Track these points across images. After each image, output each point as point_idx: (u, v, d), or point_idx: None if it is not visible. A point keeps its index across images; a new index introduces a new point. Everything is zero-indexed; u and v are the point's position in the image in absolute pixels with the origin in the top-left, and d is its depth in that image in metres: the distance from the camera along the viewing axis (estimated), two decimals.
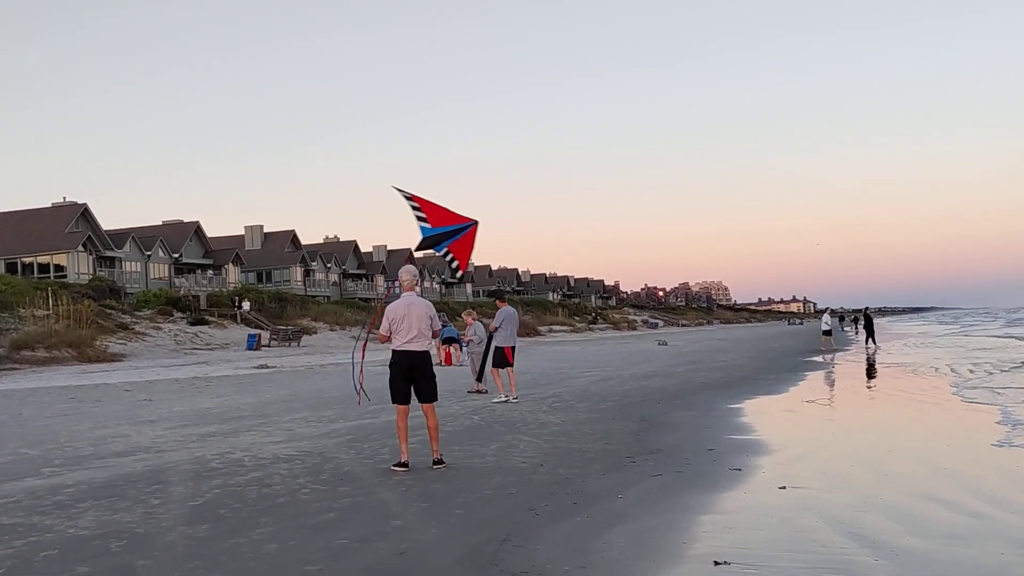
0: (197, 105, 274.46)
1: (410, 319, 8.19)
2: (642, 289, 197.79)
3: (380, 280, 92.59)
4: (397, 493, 7.22)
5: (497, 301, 15.32)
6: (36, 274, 57.68)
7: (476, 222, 10.01)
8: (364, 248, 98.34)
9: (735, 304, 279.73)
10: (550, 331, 77.62)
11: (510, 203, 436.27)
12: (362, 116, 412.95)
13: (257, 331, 46.97)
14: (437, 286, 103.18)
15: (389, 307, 8.44)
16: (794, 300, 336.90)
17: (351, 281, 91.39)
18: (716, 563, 5.07)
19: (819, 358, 29.36)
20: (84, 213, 62.67)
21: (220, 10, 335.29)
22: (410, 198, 9.75)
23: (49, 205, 65.13)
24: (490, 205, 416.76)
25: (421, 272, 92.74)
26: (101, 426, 12.73)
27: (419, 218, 9.73)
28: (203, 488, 7.58)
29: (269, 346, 44.92)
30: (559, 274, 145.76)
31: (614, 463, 8.57)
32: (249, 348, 42.54)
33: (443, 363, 25.69)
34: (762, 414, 12.89)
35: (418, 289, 8.71)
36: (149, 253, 67.28)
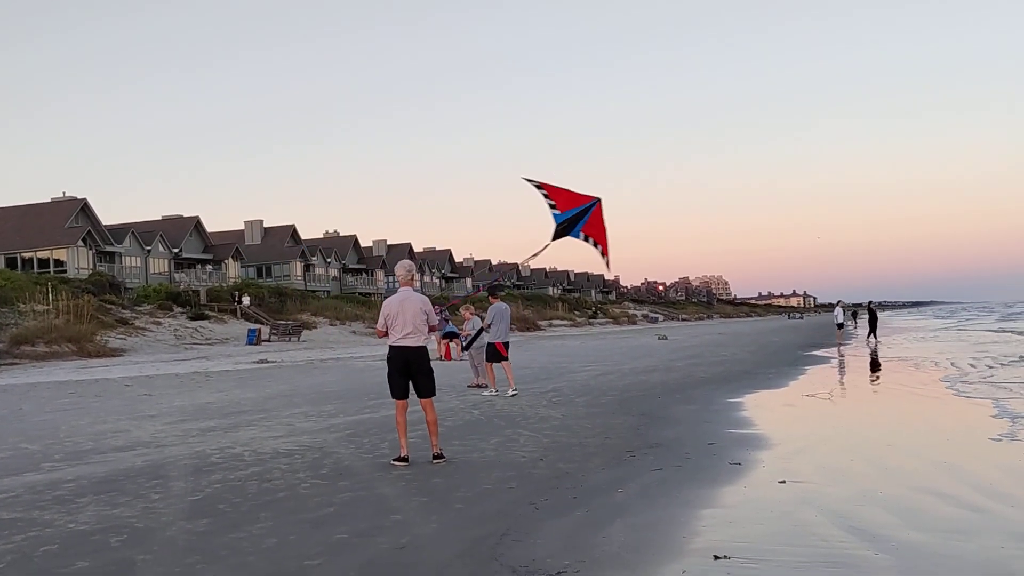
0: (197, 100, 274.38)
1: (404, 315, 8.18)
2: (642, 284, 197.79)
3: (380, 275, 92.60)
4: (397, 488, 7.22)
5: (489, 297, 15.47)
6: (36, 269, 57.68)
7: (599, 199, 9.86)
8: (364, 243, 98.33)
9: (735, 298, 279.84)
10: (550, 326, 77.66)
11: (512, 198, 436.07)
12: (362, 111, 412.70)
13: (257, 326, 47.00)
14: (437, 280, 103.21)
15: (384, 302, 8.45)
16: (794, 295, 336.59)
17: (351, 276, 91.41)
18: (716, 557, 5.07)
19: (819, 352, 29.34)
20: (84, 208, 62.64)
21: (220, 7, 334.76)
22: (540, 186, 9.70)
23: (49, 200, 65.10)
24: (490, 200, 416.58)
25: (420, 267, 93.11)
26: (101, 421, 12.73)
27: (550, 206, 9.67)
28: (203, 483, 7.58)
29: (269, 341, 44.93)
30: (559, 269, 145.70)
31: (614, 457, 8.56)
32: (249, 343, 42.56)
33: (443, 358, 25.69)
34: (762, 408, 12.89)
35: (416, 284, 8.71)
36: (149, 248, 67.25)
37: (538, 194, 9.78)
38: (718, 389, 15.91)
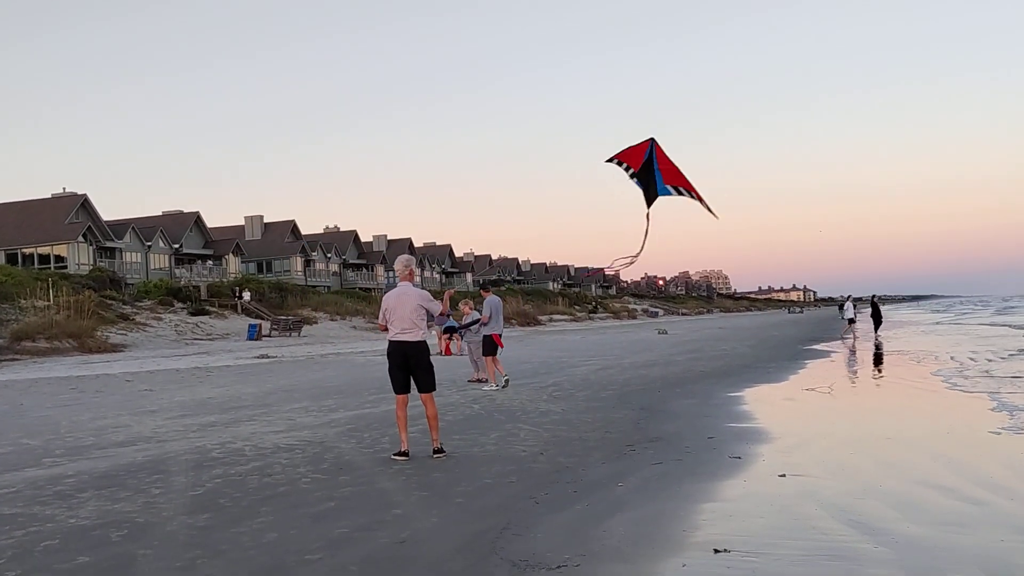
0: (197, 96, 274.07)
1: (402, 309, 8.20)
2: (642, 278, 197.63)
3: (380, 270, 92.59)
4: (397, 482, 7.23)
5: (481, 291, 15.75)
6: (36, 265, 57.67)
7: (652, 139, 9.30)
8: (364, 238, 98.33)
9: (735, 293, 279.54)
10: (550, 320, 77.65)
11: (510, 193, 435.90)
12: (362, 106, 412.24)
13: (258, 321, 47.03)
14: (437, 276, 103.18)
15: (384, 297, 8.49)
16: (794, 288, 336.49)
17: (351, 271, 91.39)
18: (716, 551, 5.08)
19: (819, 346, 29.34)
20: (84, 204, 62.62)
21: (219, 5, 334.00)
22: (619, 160, 9.19)
23: (49, 196, 65.10)
24: (490, 195, 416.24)
25: (420, 262, 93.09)
26: (102, 416, 12.74)
27: (631, 175, 9.10)
28: (204, 478, 7.60)
29: (270, 336, 44.95)
30: (559, 263, 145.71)
31: (614, 451, 8.57)
32: (250, 338, 42.58)
33: (443, 353, 25.71)
34: (762, 402, 12.90)
35: (416, 279, 8.72)
36: (149, 244, 67.25)
37: (619, 171, 9.21)
38: (718, 383, 15.91)
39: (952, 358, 20.65)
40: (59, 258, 59.57)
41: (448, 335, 26.39)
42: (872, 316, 36.61)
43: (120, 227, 65.43)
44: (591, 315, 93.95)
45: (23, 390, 18.27)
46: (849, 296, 39.72)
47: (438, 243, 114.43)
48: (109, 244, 62.97)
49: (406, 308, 8.21)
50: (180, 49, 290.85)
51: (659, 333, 45.86)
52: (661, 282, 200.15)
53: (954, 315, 74.03)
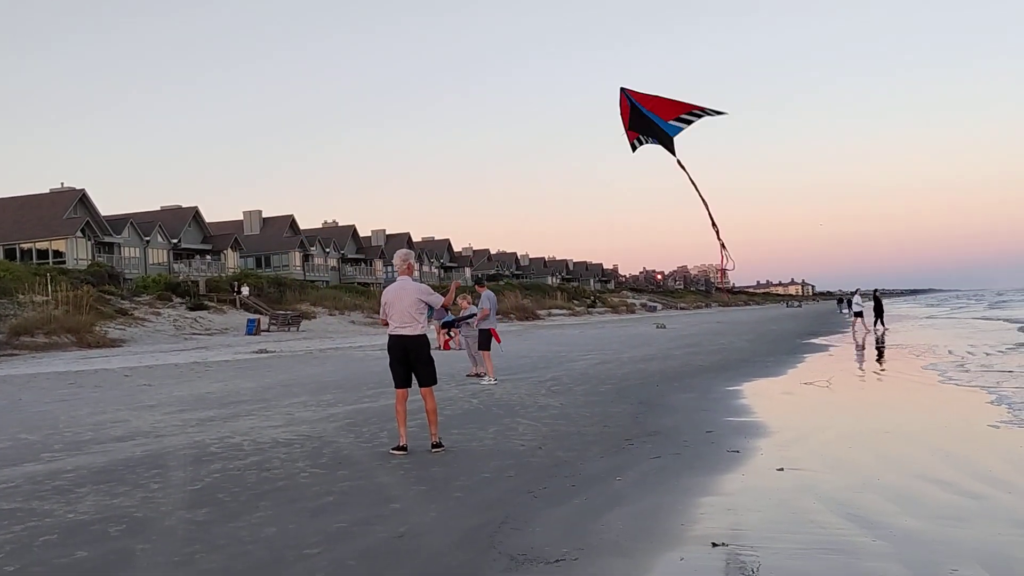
0: (196, 91, 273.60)
1: (401, 304, 8.21)
2: (640, 272, 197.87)
3: (379, 265, 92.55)
4: (396, 476, 7.23)
5: (476, 286, 15.92)
6: (35, 260, 57.60)
7: (621, 89, 8.72)
8: (363, 232, 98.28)
9: (733, 287, 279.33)
10: (549, 315, 77.65)
11: (508, 188, 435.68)
12: (360, 102, 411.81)
13: (256, 316, 46.99)
14: (436, 270, 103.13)
15: (383, 291, 8.51)
16: (792, 283, 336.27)
17: (350, 266, 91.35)
18: (714, 544, 5.08)
19: (818, 340, 29.36)
20: (82, 199, 62.54)
21: (218, 1, 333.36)
22: (635, 139, 8.57)
23: (47, 191, 65.05)
24: (489, 189, 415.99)
25: (419, 257, 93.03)
26: (100, 411, 12.74)
27: (646, 140, 8.56)
28: (202, 472, 7.59)
29: (268, 331, 44.94)
30: (558, 258, 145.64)
31: (612, 446, 8.58)
32: (248, 333, 42.56)
33: (441, 348, 25.69)
34: (760, 396, 12.90)
35: (415, 273, 8.72)
36: (148, 238, 67.17)
37: (639, 140, 8.72)
38: (716, 377, 15.92)
39: (950, 352, 20.68)
40: (57, 253, 59.50)
41: (446, 329, 26.41)
42: (874, 310, 36.75)
43: (118, 222, 65.35)
44: (590, 309, 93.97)
45: (22, 385, 18.26)
46: (857, 290, 39.67)
47: (437, 237, 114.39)
48: (107, 239, 62.89)
49: (405, 302, 8.21)
50: (178, 45, 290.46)
51: (657, 327, 45.86)
52: (659, 276, 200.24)
53: (949, 309, 74.15)
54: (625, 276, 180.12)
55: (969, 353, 20.00)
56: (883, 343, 26.50)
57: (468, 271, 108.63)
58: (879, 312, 36.24)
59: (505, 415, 10.92)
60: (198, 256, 71.73)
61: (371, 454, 8.32)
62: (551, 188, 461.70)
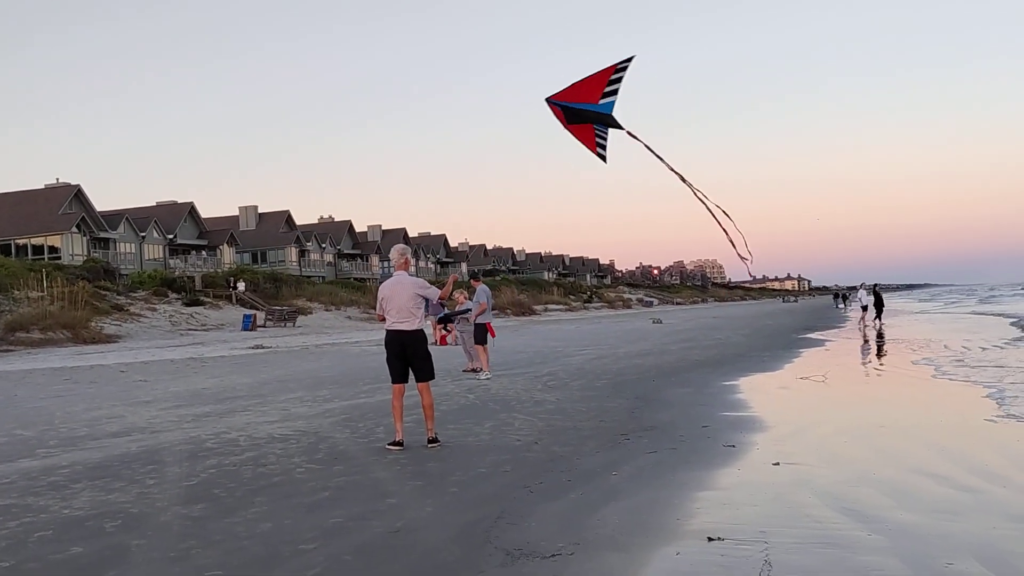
0: (191, 86, 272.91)
1: (398, 299, 8.20)
2: (637, 268, 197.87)
3: (375, 260, 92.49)
4: (392, 472, 7.23)
5: (472, 281, 15.96)
6: (30, 256, 57.52)
7: (545, 99, 8.77)
8: (359, 228, 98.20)
9: (729, 282, 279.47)
10: (545, 310, 77.69)
11: (505, 183, 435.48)
12: (357, 97, 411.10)
13: (252, 312, 46.98)
14: (432, 265, 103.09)
15: (380, 287, 8.50)
16: (788, 278, 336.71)
17: (346, 261, 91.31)
18: (710, 539, 5.08)
19: (814, 335, 29.39)
20: (78, 194, 62.41)
21: None
22: (597, 139, 8.44)
23: (42, 186, 64.85)
24: (485, 185, 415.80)
25: (415, 252, 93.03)
26: (96, 407, 12.72)
27: (607, 127, 8.38)
28: (198, 468, 7.59)
29: (264, 326, 44.92)
30: (554, 253, 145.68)
31: (608, 440, 8.58)
32: (244, 329, 42.55)
33: (437, 343, 25.69)
34: (756, 391, 12.92)
35: (411, 268, 8.71)
36: (143, 234, 67.06)
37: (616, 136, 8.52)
38: (712, 372, 15.93)
39: (945, 347, 20.70)
40: (53, 249, 59.40)
41: (443, 324, 26.41)
42: (875, 305, 36.87)
43: (114, 218, 65.22)
44: (586, 305, 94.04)
45: (17, 381, 18.23)
46: (862, 284, 39.63)
47: (433, 233, 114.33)
48: (103, 235, 62.79)
49: (402, 297, 8.21)
50: (174, 40, 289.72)
51: (653, 322, 45.92)
52: (656, 272, 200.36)
53: (942, 304, 74.33)
54: (621, 271, 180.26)
55: (964, 348, 20.02)
56: (882, 338, 26.53)
57: (464, 266, 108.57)
58: (879, 307, 36.37)
59: (501, 410, 10.91)
60: (194, 251, 71.65)
61: (367, 449, 8.32)
62: (548, 183, 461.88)
